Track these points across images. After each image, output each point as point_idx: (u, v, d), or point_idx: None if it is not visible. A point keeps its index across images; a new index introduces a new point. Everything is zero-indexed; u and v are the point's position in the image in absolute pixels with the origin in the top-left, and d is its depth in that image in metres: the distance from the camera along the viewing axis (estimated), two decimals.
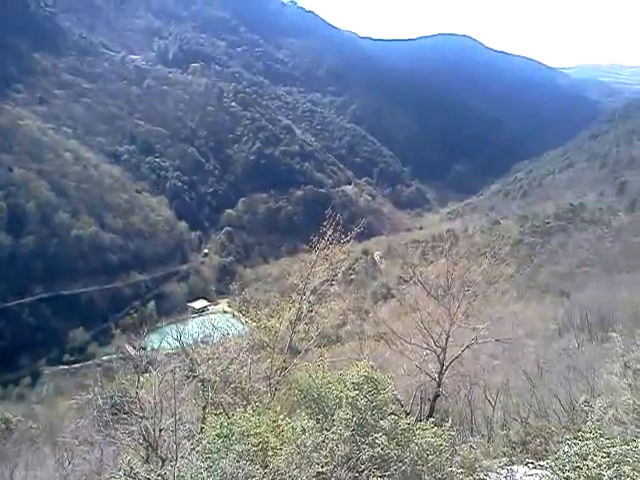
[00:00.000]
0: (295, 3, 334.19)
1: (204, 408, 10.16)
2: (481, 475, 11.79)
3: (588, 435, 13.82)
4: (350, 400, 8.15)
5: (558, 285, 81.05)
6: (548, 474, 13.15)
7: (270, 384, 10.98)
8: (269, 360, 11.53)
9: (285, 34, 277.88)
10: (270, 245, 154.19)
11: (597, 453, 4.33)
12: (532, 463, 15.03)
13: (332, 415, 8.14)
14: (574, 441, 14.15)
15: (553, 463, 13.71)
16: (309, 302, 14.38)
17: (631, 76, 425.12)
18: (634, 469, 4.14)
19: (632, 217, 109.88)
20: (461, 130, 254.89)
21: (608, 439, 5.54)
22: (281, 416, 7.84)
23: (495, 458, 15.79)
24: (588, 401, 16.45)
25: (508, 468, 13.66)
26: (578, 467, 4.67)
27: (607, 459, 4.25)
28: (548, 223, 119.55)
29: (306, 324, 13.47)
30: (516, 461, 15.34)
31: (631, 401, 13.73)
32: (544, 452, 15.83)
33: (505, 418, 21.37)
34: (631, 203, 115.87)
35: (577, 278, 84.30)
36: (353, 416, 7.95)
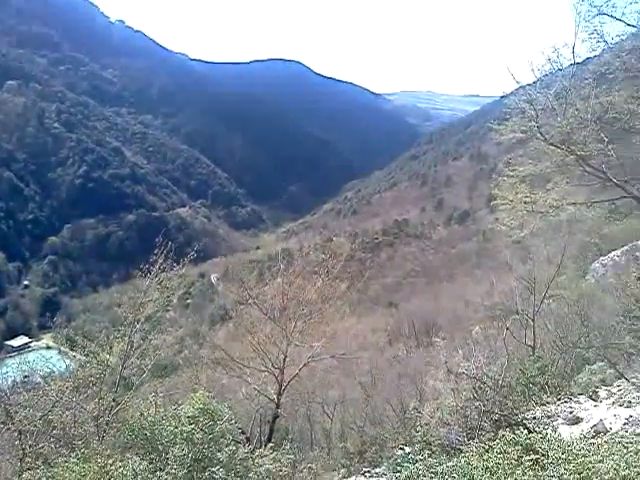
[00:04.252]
0: (123, 22, 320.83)
1: (21, 461, 9.20)
2: None
3: (417, 439, 14.80)
4: (185, 435, 7.91)
5: (387, 297, 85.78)
6: None
7: (98, 425, 10.27)
8: (97, 399, 10.78)
9: (113, 53, 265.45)
10: (100, 273, 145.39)
11: (427, 474, 4.63)
12: (369, 472, 15.67)
13: (167, 453, 7.84)
14: (403, 449, 14.97)
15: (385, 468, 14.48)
16: (143, 331, 13.77)
17: (445, 102, 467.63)
18: None
19: (449, 230, 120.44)
20: (295, 152, 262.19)
21: (436, 459, 5.92)
22: (110, 460, 7.36)
23: (334, 470, 16.24)
24: (417, 407, 17.50)
25: None
26: None
27: (436, 478, 4.56)
28: (377, 239, 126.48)
29: (138, 357, 12.85)
30: (354, 471, 15.88)
31: (454, 403, 14.78)
32: (379, 459, 16.57)
33: (343, 430, 22.13)
34: (448, 218, 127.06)
35: (404, 289, 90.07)
36: (189, 452, 7.72)
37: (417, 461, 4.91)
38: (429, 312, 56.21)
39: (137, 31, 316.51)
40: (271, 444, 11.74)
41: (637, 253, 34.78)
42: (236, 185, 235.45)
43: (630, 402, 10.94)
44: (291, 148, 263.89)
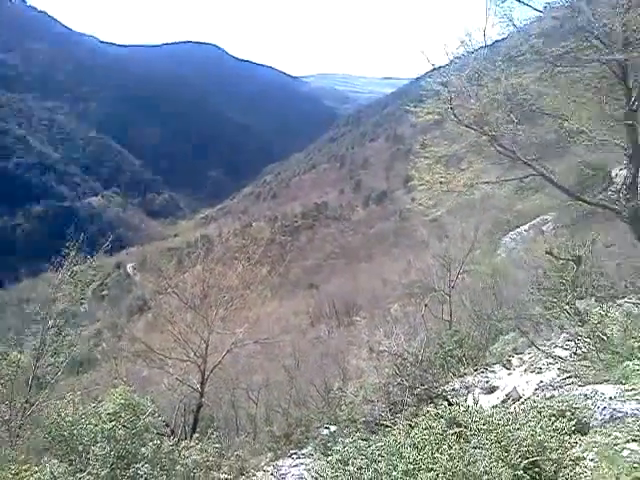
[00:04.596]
0: (24, 1, 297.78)
1: None
2: (250, 476, 12.01)
3: (342, 418, 15.02)
4: (106, 433, 7.62)
5: (308, 279, 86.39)
6: (309, 461, 14.00)
7: (10, 429, 9.74)
8: (8, 402, 10.21)
9: (14, 35, 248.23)
10: (6, 268, 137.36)
11: (357, 456, 4.67)
12: (295, 453, 15.80)
13: (88, 453, 7.53)
14: (330, 428, 15.16)
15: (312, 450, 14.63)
16: (56, 327, 13.18)
17: (362, 85, 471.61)
18: (388, 464, 4.55)
19: (367, 211, 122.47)
20: (212, 136, 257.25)
21: (365, 440, 5.97)
22: (25, 466, 6.99)
23: (261, 455, 16.26)
24: (341, 387, 17.76)
25: (274, 464, 14.14)
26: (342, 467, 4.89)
27: (366, 460, 4.59)
28: (296, 222, 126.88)
29: (52, 354, 12.28)
30: (281, 454, 15.97)
31: (377, 381, 15.11)
32: (305, 440, 16.76)
33: (268, 413, 22.18)
34: (366, 199, 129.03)
35: (324, 271, 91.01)
36: (111, 450, 7.45)
37: (347, 444, 4.92)
38: (349, 292, 57.17)
39: (41, 12, 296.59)
40: (196, 434, 11.57)
41: (543, 227, 36.85)
42: (151, 172, 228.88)
43: (540, 368, 11.55)
44: (208, 132, 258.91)
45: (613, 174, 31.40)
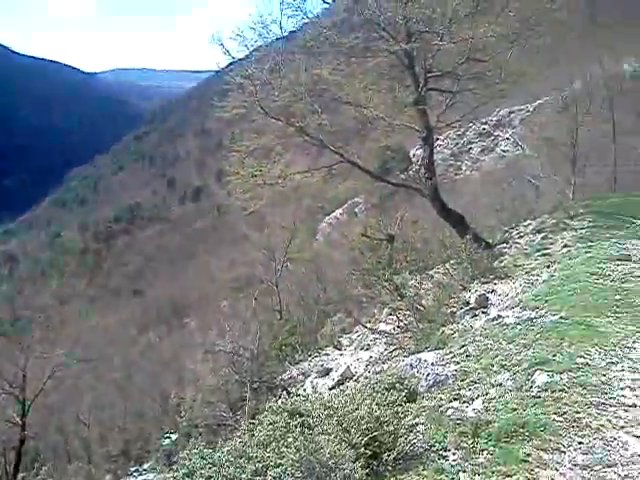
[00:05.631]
0: None
1: None
2: None
3: (182, 424, 14.66)
4: None
5: (131, 286, 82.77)
6: (152, 476, 13.52)
7: None
8: None
9: None
10: None
11: (204, 465, 4.53)
12: (137, 470, 15.15)
13: None
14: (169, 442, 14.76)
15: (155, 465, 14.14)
16: None
17: (163, 80, 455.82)
18: (236, 467, 4.46)
19: (184, 209, 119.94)
20: (4, 142, 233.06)
21: (210, 446, 5.82)
22: None
23: (99, 479, 15.36)
24: (178, 393, 17.39)
25: None
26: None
27: (214, 468, 4.45)
28: (110, 227, 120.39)
29: None
30: (121, 474, 15.25)
31: (214, 381, 15.00)
32: (146, 454, 16.16)
33: (102, 433, 20.97)
34: (181, 197, 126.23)
35: (147, 275, 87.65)
36: None
37: (192, 454, 4.75)
38: (176, 294, 55.90)
39: None
40: (21, 473, 10.54)
41: (355, 209, 39.11)
42: None
43: (368, 345, 12.24)
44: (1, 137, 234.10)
45: (411, 154, 34.24)
